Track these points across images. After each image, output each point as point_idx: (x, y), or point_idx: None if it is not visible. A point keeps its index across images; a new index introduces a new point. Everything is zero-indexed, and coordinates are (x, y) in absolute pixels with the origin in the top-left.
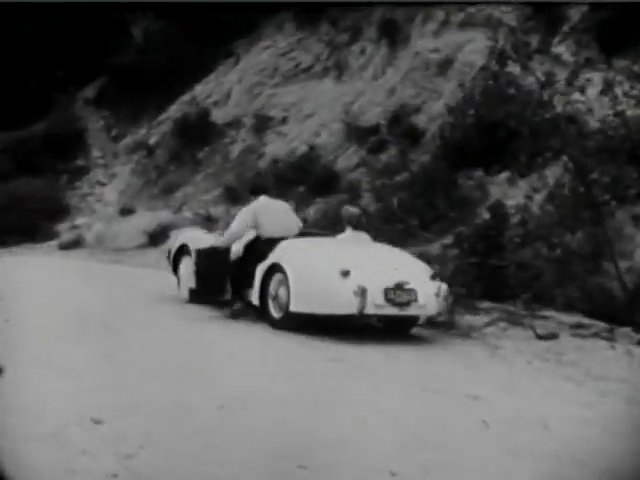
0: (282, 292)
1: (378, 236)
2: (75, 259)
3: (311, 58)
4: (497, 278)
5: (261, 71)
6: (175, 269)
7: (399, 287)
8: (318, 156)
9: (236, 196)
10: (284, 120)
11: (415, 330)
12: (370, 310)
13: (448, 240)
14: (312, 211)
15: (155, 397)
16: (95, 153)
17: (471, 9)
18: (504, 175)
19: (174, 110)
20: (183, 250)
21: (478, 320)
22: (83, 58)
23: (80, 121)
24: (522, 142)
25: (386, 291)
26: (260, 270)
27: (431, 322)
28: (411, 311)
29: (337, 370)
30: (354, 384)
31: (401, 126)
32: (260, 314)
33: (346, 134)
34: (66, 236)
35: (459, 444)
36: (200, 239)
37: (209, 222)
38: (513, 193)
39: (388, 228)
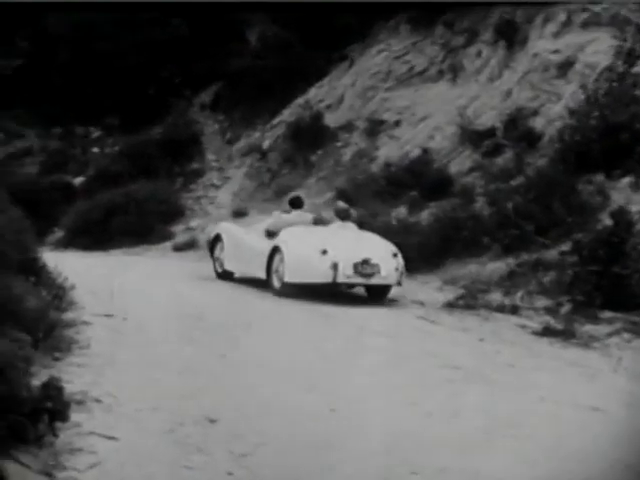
0: (281, 268)
1: (492, 242)
2: (188, 260)
3: (426, 61)
4: (620, 287)
5: (375, 74)
6: (212, 253)
7: (365, 262)
8: (431, 160)
9: (348, 199)
10: (397, 123)
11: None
12: (342, 279)
13: (566, 247)
14: (425, 215)
15: (269, 398)
16: (210, 156)
17: (596, 8)
18: (627, 180)
19: (288, 114)
20: (218, 238)
21: (599, 330)
22: (200, 64)
23: (196, 125)
24: None
25: (355, 265)
26: (267, 251)
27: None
28: (374, 281)
29: (454, 377)
30: (469, 391)
31: (517, 129)
32: (265, 285)
33: (460, 137)
34: (180, 238)
35: (578, 456)
36: (230, 230)
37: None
38: (637, 198)
39: (502, 233)
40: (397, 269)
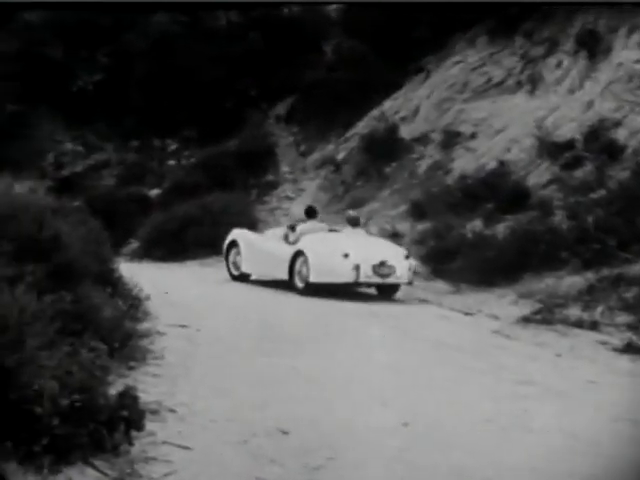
0: (304, 269)
1: (571, 256)
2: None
3: (503, 72)
4: None
5: (451, 86)
6: (227, 258)
7: (382, 264)
8: (508, 172)
9: (422, 212)
10: (473, 135)
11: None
12: (362, 279)
13: None
14: (501, 228)
15: (342, 411)
16: (284, 168)
17: None
18: None
19: (362, 126)
20: (233, 244)
21: None
22: (276, 77)
23: (271, 137)
24: None
25: (373, 266)
26: (289, 255)
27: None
28: (390, 280)
29: (530, 393)
30: (545, 407)
31: (599, 141)
32: (288, 285)
33: (538, 150)
34: None
35: None
36: (246, 236)
37: (395, 238)
38: None
39: (582, 248)
40: (409, 269)
